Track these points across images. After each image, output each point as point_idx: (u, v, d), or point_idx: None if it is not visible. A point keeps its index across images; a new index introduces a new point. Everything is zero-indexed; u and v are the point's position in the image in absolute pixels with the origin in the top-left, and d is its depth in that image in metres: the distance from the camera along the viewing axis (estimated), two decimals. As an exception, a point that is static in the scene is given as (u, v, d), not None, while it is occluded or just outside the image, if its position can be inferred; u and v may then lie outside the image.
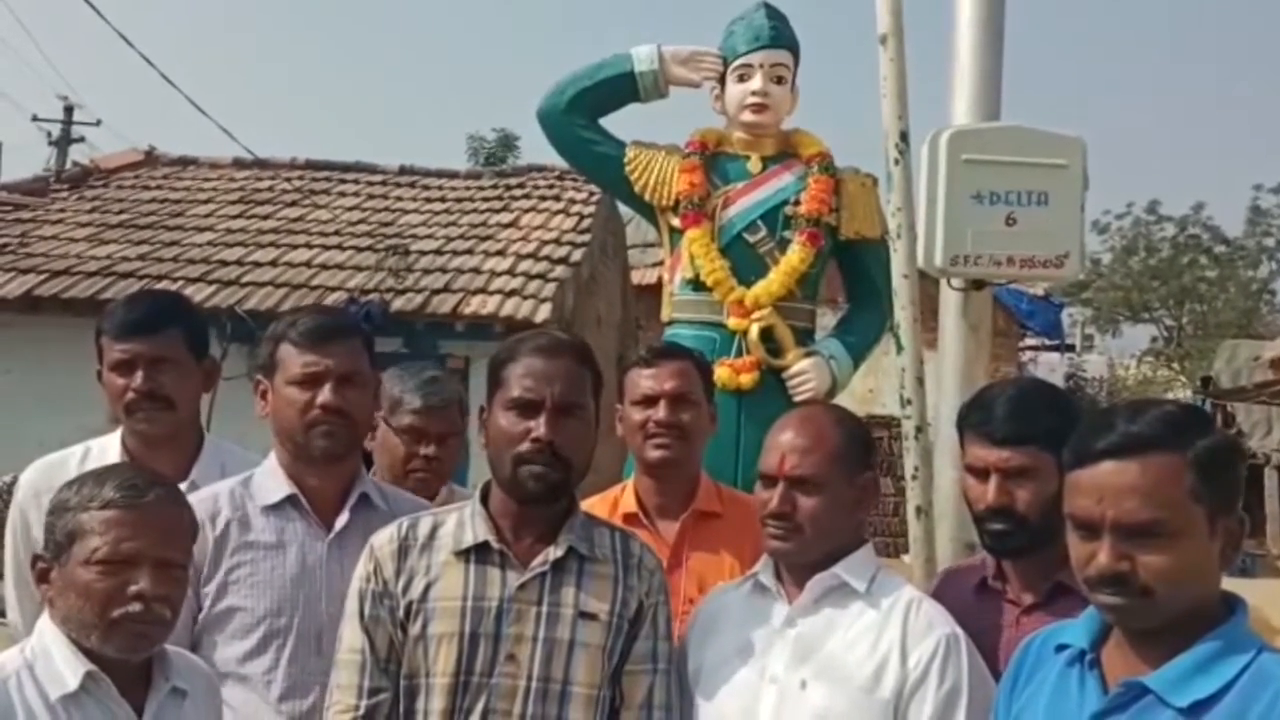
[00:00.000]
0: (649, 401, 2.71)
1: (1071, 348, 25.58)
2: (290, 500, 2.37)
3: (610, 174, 4.04)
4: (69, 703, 1.90)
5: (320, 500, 2.39)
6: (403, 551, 2.14)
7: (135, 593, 1.92)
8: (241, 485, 2.40)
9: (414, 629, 2.09)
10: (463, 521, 2.16)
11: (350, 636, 2.13)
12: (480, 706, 2.05)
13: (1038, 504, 2.21)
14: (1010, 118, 3.49)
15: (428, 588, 2.10)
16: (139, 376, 2.55)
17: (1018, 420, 2.24)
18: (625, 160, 3.96)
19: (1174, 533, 1.66)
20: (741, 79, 3.87)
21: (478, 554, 2.12)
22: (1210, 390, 15.74)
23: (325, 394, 2.33)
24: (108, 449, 2.65)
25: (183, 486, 2.47)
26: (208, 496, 2.37)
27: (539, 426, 2.09)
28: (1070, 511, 1.75)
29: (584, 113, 3.96)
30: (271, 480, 2.40)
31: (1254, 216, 28.07)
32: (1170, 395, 23.02)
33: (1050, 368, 24.36)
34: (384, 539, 2.17)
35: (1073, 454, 1.75)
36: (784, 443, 2.18)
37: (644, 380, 2.74)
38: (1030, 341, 19.64)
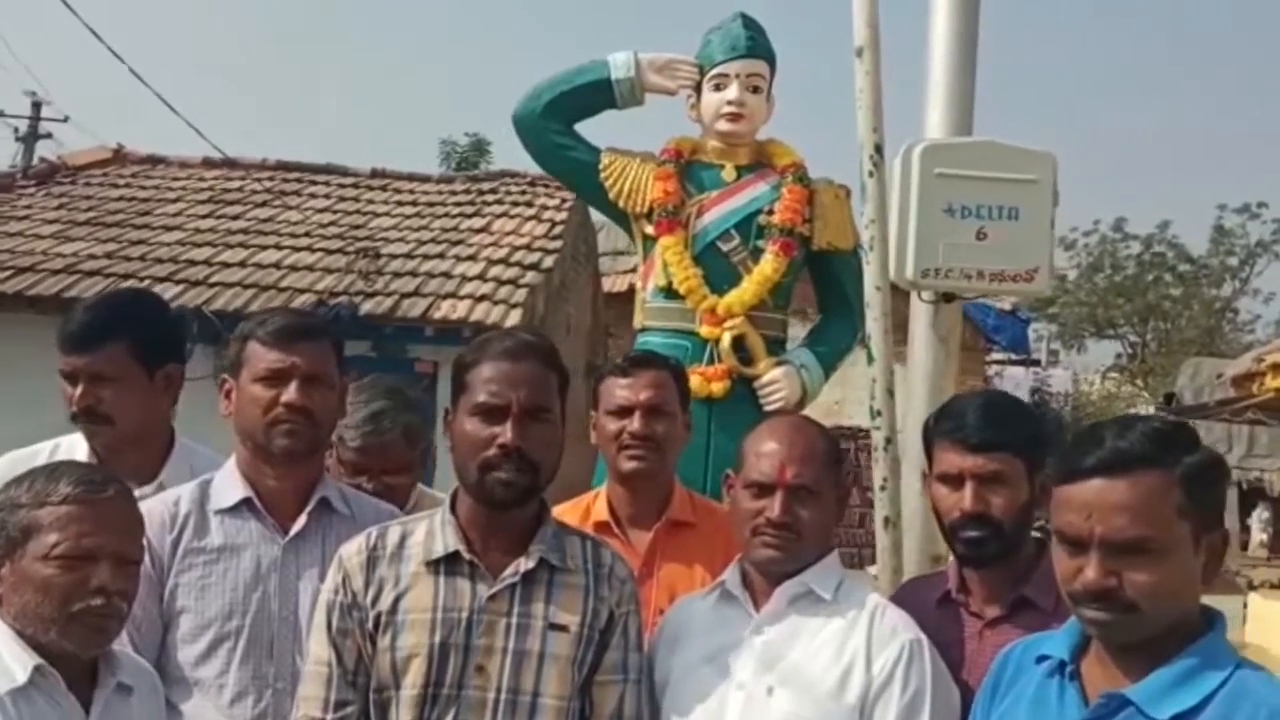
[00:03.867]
0: (624, 412, 2.70)
1: (1037, 362, 25.78)
2: (246, 503, 2.34)
3: (585, 180, 4.04)
4: (17, 697, 1.89)
5: (278, 502, 2.36)
6: (371, 562, 2.12)
7: (96, 587, 1.93)
8: (200, 488, 2.38)
9: (383, 641, 2.07)
10: (432, 531, 2.14)
11: (317, 649, 2.11)
12: (449, 719, 2.03)
13: (1012, 510, 2.24)
14: (982, 133, 3.52)
15: (397, 599, 2.08)
16: (79, 391, 2.54)
17: (991, 427, 2.27)
18: (600, 167, 3.97)
19: (1161, 550, 1.68)
20: (718, 88, 3.89)
21: (448, 564, 2.10)
22: (1173, 407, 15.89)
23: (290, 392, 2.31)
24: (77, 446, 2.64)
25: (151, 488, 2.47)
26: (168, 499, 2.35)
27: (505, 432, 2.07)
28: (1058, 527, 1.76)
29: (560, 118, 3.96)
30: (229, 483, 2.37)
31: (1218, 236, 28.44)
32: (1134, 411, 23.25)
33: (1016, 382, 24.52)
34: (352, 550, 2.14)
35: (1061, 469, 1.77)
36: (780, 451, 2.19)
37: (619, 390, 2.73)
38: (997, 356, 19.78)
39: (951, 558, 2.40)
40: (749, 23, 3.94)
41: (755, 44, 3.91)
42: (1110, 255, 28.70)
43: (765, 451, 2.20)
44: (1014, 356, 19.68)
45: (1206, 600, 1.79)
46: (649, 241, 3.92)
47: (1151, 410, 21.10)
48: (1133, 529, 1.68)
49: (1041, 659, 1.87)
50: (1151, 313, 28.49)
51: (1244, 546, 17.02)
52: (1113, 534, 1.68)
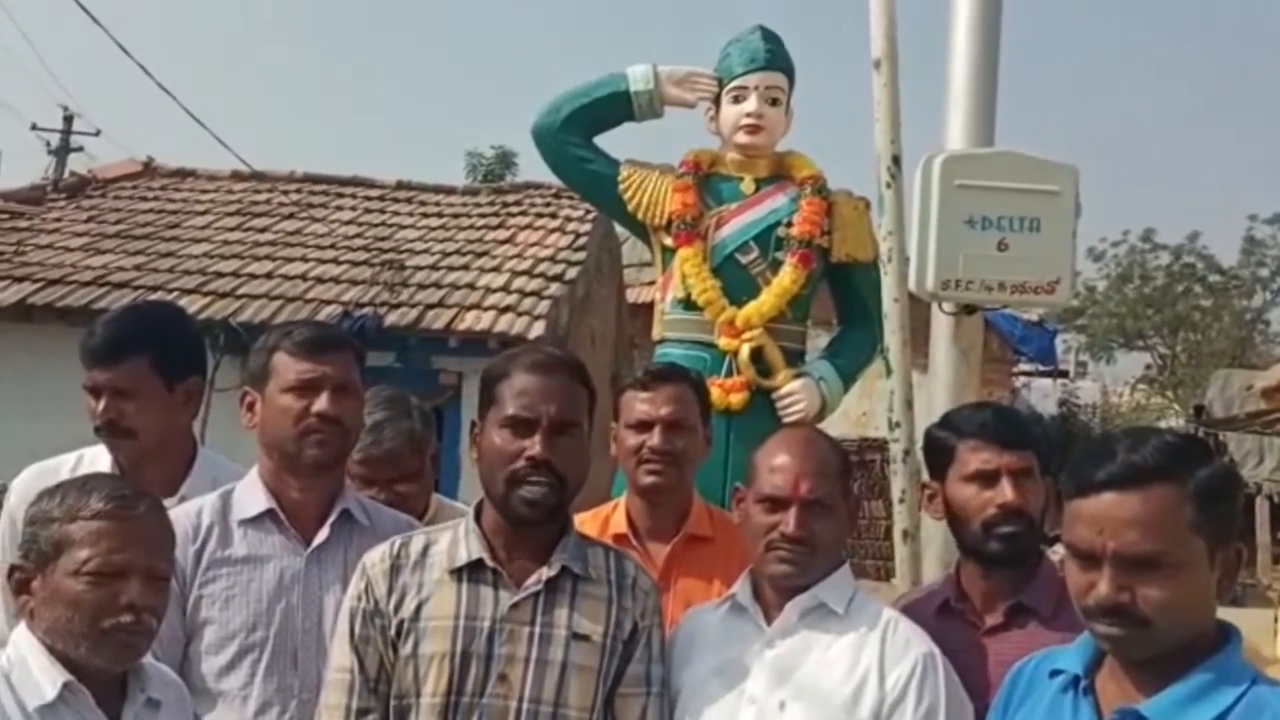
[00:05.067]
0: (644, 426, 2.69)
1: (1065, 374, 25.60)
2: (269, 514, 2.35)
3: (604, 192, 4.06)
4: (46, 713, 1.89)
5: (301, 514, 2.37)
6: (395, 570, 2.12)
7: (126, 603, 1.92)
8: (222, 499, 2.38)
9: (405, 648, 2.07)
10: (456, 539, 2.15)
11: (340, 656, 2.11)
12: None
13: (1038, 507, 2.29)
14: (1005, 144, 3.50)
15: (419, 607, 2.09)
16: (101, 406, 2.55)
17: (1016, 426, 2.33)
18: (619, 179, 3.98)
19: (1174, 565, 1.66)
20: (736, 100, 3.90)
21: (471, 572, 2.10)
22: (1203, 419, 15.73)
23: (322, 402, 2.32)
24: (99, 458, 2.65)
25: (174, 500, 2.48)
26: (190, 510, 2.35)
27: (534, 445, 2.07)
28: (1070, 541, 1.75)
29: (578, 131, 3.98)
30: (251, 494, 2.38)
31: (1248, 246, 28.10)
32: (1163, 423, 23.01)
33: (1043, 393, 24.38)
34: (376, 557, 2.15)
35: (1073, 483, 1.75)
36: (793, 466, 2.18)
37: (640, 404, 2.72)
38: (1024, 367, 19.67)
39: (952, 566, 2.41)
40: (768, 35, 3.95)
41: (774, 56, 3.92)
42: (1139, 266, 28.41)
43: (778, 465, 2.19)
44: (1041, 368, 19.56)
45: (1237, 615, 1.78)
46: (668, 253, 3.93)
47: (1180, 422, 20.90)
48: (1144, 544, 1.66)
49: (1055, 673, 1.86)
50: (1181, 324, 28.16)
51: (1276, 560, 16.80)
52: (1124, 549, 1.67)
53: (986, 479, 2.28)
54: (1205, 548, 1.68)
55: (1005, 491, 2.26)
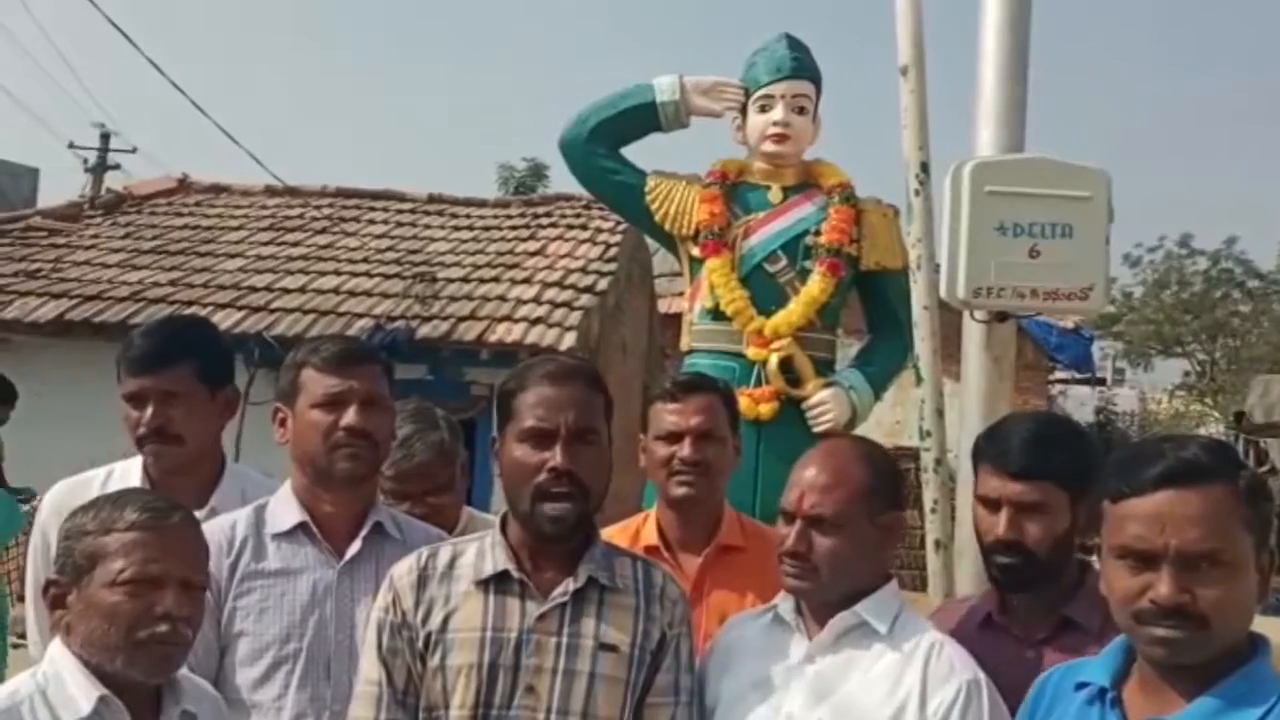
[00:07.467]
0: (673, 437, 2.67)
1: (1102, 381, 25.35)
2: (302, 527, 2.36)
3: (631, 203, 4.06)
4: None
5: (334, 527, 2.38)
6: (422, 582, 2.12)
7: (162, 613, 1.91)
8: (255, 512, 2.40)
9: (433, 660, 2.06)
10: (483, 551, 2.14)
11: (368, 668, 2.11)
12: None
13: (1048, 540, 2.20)
14: (1036, 149, 3.48)
15: (447, 618, 2.08)
16: (149, 412, 2.56)
17: (1034, 455, 2.23)
18: (646, 190, 3.98)
19: (1231, 563, 1.64)
20: (763, 109, 3.89)
21: (497, 584, 2.10)
22: (1243, 425, 15.52)
23: (350, 415, 2.33)
24: (130, 472, 2.66)
25: (203, 513, 2.49)
26: (224, 523, 2.37)
27: (555, 456, 2.06)
28: (1121, 543, 1.70)
29: (605, 142, 3.99)
30: (284, 507, 2.39)
31: (1287, 250, 27.79)
32: (1203, 430, 22.75)
33: (1080, 401, 24.17)
34: (403, 570, 2.15)
35: (1123, 483, 1.71)
36: (805, 480, 2.13)
37: (669, 415, 2.70)
38: (1060, 375, 19.47)
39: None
40: (794, 44, 3.94)
41: (800, 65, 3.91)
42: (1177, 271, 28.14)
43: (794, 479, 2.15)
44: (1078, 375, 19.35)
45: (1277, 626, 1.76)
46: (696, 264, 3.92)
47: (1221, 429, 20.64)
48: (1208, 541, 1.64)
49: (1081, 686, 1.82)
50: (1220, 329, 27.86)
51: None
52: (1188, 546, 1.64)
53: (991, 505, 2.25)
54: (1253, 548, 1.67)
55: (999, 525, 2.21)
